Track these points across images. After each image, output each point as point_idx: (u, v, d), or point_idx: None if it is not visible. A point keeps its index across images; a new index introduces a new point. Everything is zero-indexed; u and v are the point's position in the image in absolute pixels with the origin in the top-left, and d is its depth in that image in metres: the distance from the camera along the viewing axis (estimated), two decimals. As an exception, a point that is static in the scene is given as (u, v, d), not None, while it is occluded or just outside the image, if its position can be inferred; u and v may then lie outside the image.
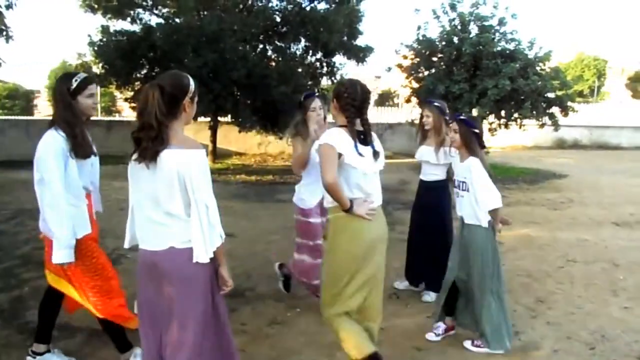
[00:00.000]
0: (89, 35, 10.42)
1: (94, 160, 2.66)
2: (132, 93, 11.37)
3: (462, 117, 3.05)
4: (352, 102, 2.45)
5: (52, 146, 2.40)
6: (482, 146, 3.01)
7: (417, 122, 14.78)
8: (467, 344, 3.07)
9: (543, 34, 71.39)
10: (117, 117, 26.18)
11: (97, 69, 11.59)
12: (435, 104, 3.84)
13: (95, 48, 9.83)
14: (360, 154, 2.43)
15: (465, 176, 2.98)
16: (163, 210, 1.97)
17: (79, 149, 2.47)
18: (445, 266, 3.85)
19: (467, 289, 3.08)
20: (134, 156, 1.96)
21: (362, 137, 2.49)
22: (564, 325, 3.44)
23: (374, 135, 2.58)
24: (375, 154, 2.52)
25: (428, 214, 3.89)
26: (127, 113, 42.37)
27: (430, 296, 3.90)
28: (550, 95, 12.12)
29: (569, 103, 12.35)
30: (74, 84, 2.49)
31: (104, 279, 2.61)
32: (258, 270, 4.62)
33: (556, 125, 12.49)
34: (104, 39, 9.87)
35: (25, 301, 3.81)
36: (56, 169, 2.39)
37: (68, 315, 3.49)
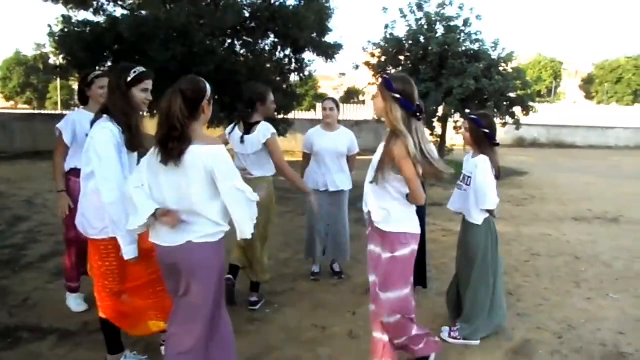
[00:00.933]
0: (49, 26, 9.98)
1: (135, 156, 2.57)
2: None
3: (472, 116, 3.12)
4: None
5: (109, 138, 2.33)
6: (495, 144, 3.08)
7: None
8: (444, 335, 3.17)
9: (504, 35, 73.80)
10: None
11: (57, 61, 11.16)
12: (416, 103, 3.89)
13: (56, 38, 9.41)
14: (232, 138, 3.46)
15: (471, 172, 3.08)
16: (186, 207, 2.12)
17: (133, 141, 2.42)
18: (420, 263, 3.97)
19: (463, 278, 3.23)
20: (159, 158, 2.09)
21: (247, 127, 3.40)
22: (533, 317, 3.59)
23: (258, 129, 3.36)
24: (242, 140, 3.38)
25: None
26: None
27: None
28: (512, 95, 12.53)
29: (530, 103, 12.82)
30: (131, 76, 2.43)
31: (120, 281, 2.53)
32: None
33: (518, 124, 12.93)
34: (66, 30, 9.47)
35: (-11, 302, 3.65)
36: (117, 163, 2.33)
37: (38, 317, 3.40)
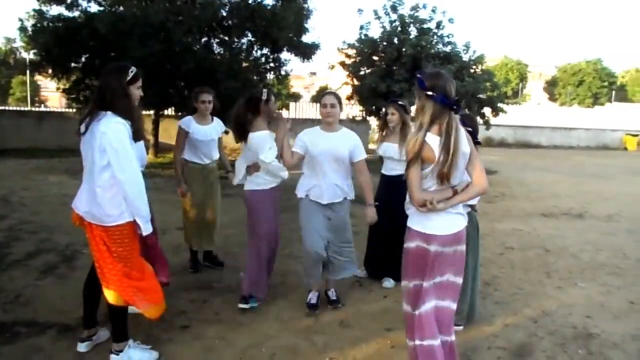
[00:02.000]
0: (20, 20, 9.80)
1: (142, 143, 2.87)
2: (68, 84, 10.78)
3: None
4: None
5: (123, 132, 2.53)
6: (477, 143, 3.29)
7: (358, 118, 15.24)
8: None
9: (472, 37, 75.44)
10: (44, 108, 24.47)
11: (28, 56, 10.92)
12: (400, 102, 4.12)
13: (30, 33, 9.22)
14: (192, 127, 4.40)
15: None
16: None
17: (138, 133, 2.64)
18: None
19: None
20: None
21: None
22: (510, 304, 3.85)
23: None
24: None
25: (392, 206, 4.13)
26: (53, 103, 39.75)
27: (390, 282, 4.18)
28: (482, 96, 12.99)
29: (499, 104, 13.31)
30: (130, 75, 2.64)
31: (139, 265, 2.72)
32: (221, 262, 4.68)
33: (488, 125, 13.40)
34: (39, 24, 9.29)
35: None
36: (132, 152, 2.56)
37: (33, 313, 3.43)
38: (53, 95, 43.38)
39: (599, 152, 22.08)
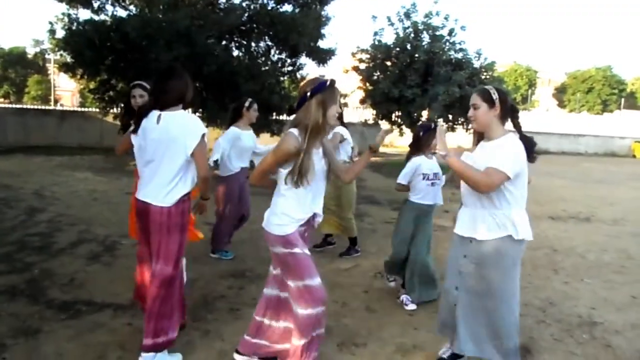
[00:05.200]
0: (50, 23, 10.27)
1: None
2: (95, 84, 11.23)
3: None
4: None
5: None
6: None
7: (370, 122, 15.58)
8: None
9: (482, 43, 75.71)
10: (65, 107, 25.08)
11: (54, 57, 11.35)
12: None
13: (62, 36, 9.69)
14: None
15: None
16: None
17: None
18: None
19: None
20: None
21: None
22: (520, 296, 4.17)
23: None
24: None
25: None
26: (66, 102, 40.45)
27: None
28: (493, 102, 13.29)
29: (509, 110, 13.59)
30: (132, 92, 3.57)
31: None
32: (250, 255, 5.06)
33: (497, 130, 13.68)
34: (72, 28, 9.75)
35: (40, 282, 4.03)
36: None
37: (89, 294, 3.80)
38: (65, 94, 44.23)
39: (607, 159, 22.26)
